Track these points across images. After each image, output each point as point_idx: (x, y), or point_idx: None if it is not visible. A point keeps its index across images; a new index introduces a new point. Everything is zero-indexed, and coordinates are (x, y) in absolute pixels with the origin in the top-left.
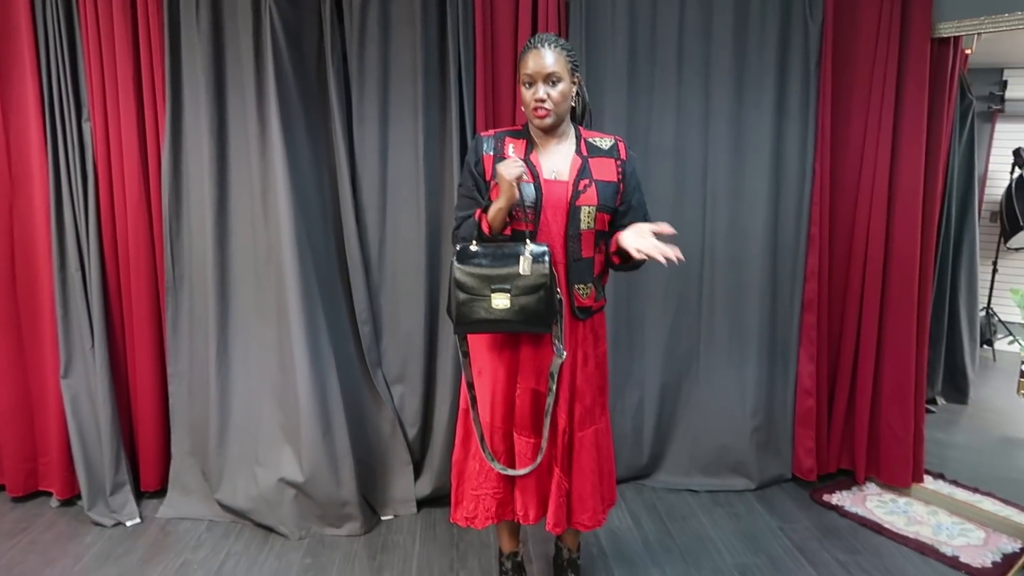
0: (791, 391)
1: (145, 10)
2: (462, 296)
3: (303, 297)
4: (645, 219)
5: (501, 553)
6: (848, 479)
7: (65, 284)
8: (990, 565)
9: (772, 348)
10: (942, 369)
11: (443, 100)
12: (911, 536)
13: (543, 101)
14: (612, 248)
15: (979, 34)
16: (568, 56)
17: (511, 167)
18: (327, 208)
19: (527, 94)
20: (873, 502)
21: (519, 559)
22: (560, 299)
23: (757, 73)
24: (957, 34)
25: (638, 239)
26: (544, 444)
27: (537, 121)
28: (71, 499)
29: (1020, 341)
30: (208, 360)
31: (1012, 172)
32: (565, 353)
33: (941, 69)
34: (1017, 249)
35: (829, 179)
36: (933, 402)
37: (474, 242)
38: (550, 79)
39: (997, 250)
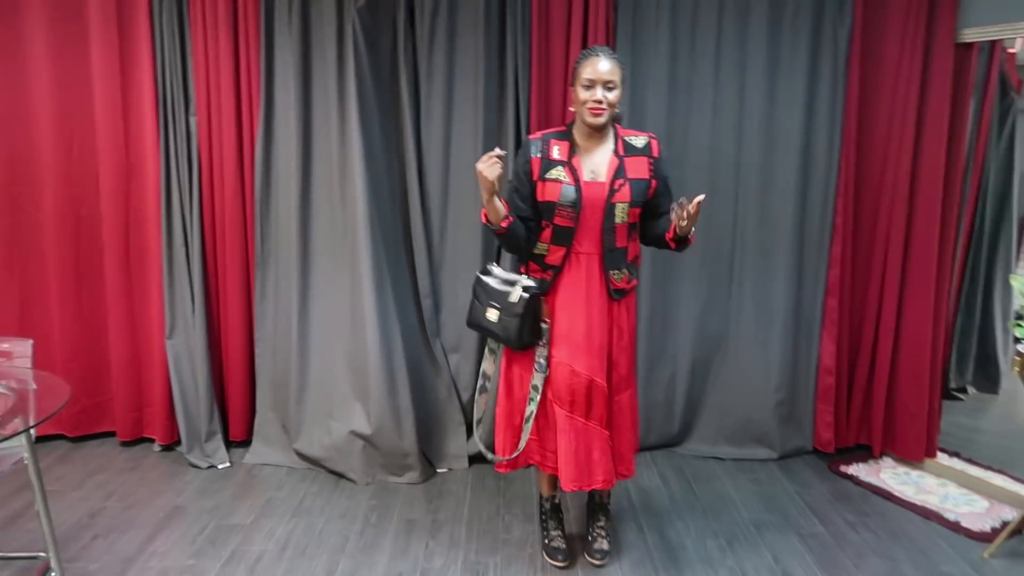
0: (813, 369)
1: (245, 19)
2: (474, 302)
3: (374, 271)
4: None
5: (541, 496)
6: (865, 452)
7: (171, 257)
8: (988, 530)
9: (796, 329)
10: (973, 359)
11: (501, 100)
12: (918, 503)
13: (600, 103)
14: (669, 235)
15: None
16: (622, 68)
17: (489, 170)
18: (396, 193)
19: (584, 94)
20: (887, 473)
21: (556, 501)
22: (546, 326)
23: (788, 75)
24: (980, 39)
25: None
26: (524, 437)
27: (591, 119)
28: (170, 445)
29: None
30: (290, 326)
31: None
32: (548, 371)
33: (964, 71)
34: None
35: (854, 174)
36: (963, 391)
37: (495, 264)
38: (608, 84)
39: None
